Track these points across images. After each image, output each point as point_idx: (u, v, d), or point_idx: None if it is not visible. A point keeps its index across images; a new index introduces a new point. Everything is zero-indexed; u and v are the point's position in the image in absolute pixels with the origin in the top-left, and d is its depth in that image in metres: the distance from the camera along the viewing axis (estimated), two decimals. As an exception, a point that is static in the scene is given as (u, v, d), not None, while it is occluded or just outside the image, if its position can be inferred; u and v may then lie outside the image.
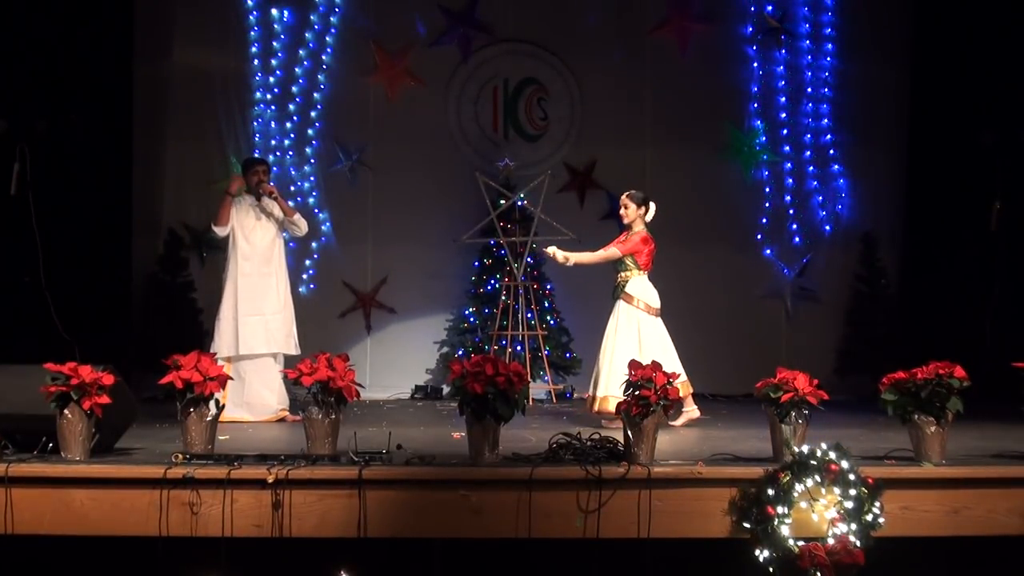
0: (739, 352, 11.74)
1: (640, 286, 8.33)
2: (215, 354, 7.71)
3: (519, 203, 11.44)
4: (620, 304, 8.33)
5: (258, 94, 11.98)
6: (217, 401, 5.97)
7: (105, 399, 5.70)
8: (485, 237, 11.56)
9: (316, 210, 11.96)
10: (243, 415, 8.67)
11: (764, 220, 12.24)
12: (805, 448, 5.41)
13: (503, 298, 11.21)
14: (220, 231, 8.95)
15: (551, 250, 8.52)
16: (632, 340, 8.15)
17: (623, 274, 8.37)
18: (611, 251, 8.43)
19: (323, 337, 11.01)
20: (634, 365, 5.86)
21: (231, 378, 7.59)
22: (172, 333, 10.84)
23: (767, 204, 12.26)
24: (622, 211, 8.50)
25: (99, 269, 10.90)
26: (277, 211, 8.99)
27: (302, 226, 9.13)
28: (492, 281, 11.67)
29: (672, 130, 11.98)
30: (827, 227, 12.29)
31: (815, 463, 5.34)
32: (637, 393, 5.70)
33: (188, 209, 11.75)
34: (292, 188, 11.90)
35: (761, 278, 12.24)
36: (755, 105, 12.29)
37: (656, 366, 5.83)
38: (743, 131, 12.27)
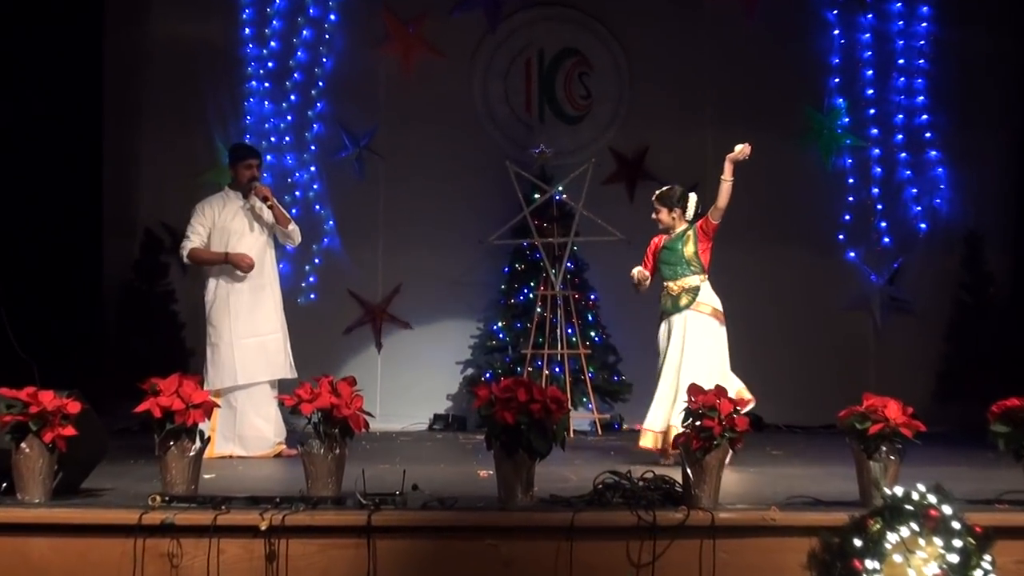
0: (818, 375, 11.70)
1: (710, 291, 8.32)
2: (212, 389, 7.84)
3: (557, 197, 11.41)
4: (695, 316, 8.25)
5: (250, 69, 12.03)
6: (202, 433, 5.97)
7: (70, 430, 5.70)
8: (517, 238, 11.54)
9: (317, 206, 11.98)
10: (235, 450, 8.70)
11: (847, 217, 12.19)
12: (899, 490, 5.35)
13: (538, 310, 11.19)
14: (186, 260, 9.02)
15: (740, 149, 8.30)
16: (718, 358, 8.18)
17: (692, 278, 8.30)
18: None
19: (325, 357, 11.05)
20: (694, 391, 5.82)
21: (218, 405, 7.60)
22: (150, 352, 10.91)
23: (851, 198, 12.21)
24: (654, 216, 8.46)
25: (64, 277, 10.92)
26: (268, 215, 8.97)
27: (296, 238, 9.13)
28: (525, 290, 11.65)
29: (737, 110, 11.93)
30: (922, 225, 12.23)
31: (911, 508, 5.28)
32: (699, 424, 5.66)
33: (168, 206, 11.77)
34: (290, 180, 11.91)
35: (844, 286, 12.20)
36: (836, 80, 12.25)
37: (721, 391, 5.79)
38: (822, 111, 12.24)
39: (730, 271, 11.88)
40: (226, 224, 8.91)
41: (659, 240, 8.46)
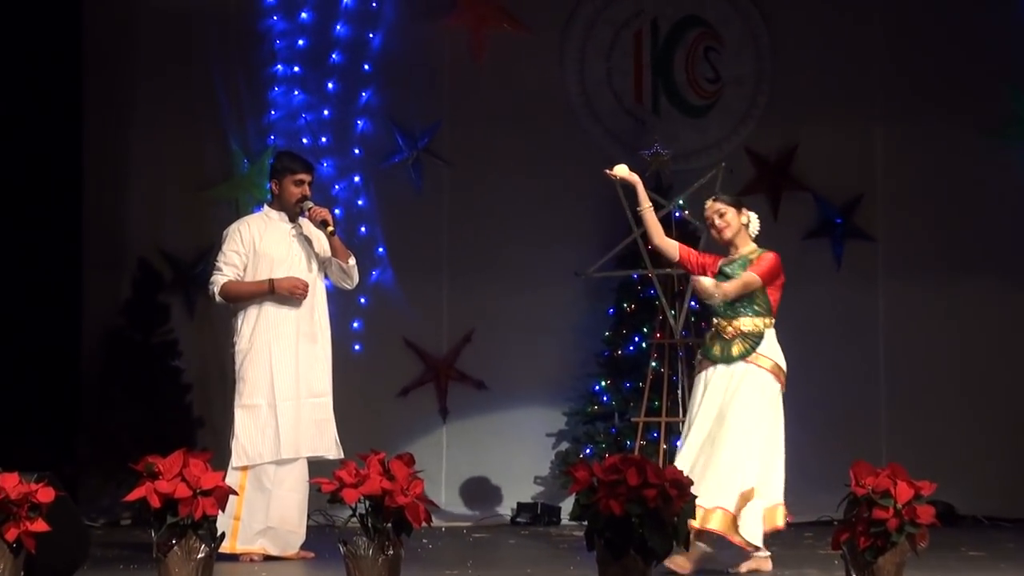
0: (1025, 450, 11.61)
1: (774, 344, 8.21)
2: (240, 465, 7.90)
3: (677, 214, 11.39)
4: (748, 371, 8.14)
5: (275, 48, 12.10)
6: (214, 529, 6.00)
7: (40, 525, 5.77)
8: (624, 269, 11.53)
9: (363, 227, 12.04)
10: (266, 546, 8.70)
11: (1064, 237, 12.11)
12: None
13: (653, 364, 11.17)
14: (218, 299, 8.94)
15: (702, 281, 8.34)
16: (772, 427, 8.11)
17: (750, 320, 8.20)
18: (749, 276, 8.21)
19: (375, 427, 11.10)
20: (862, 470, 5.79)
21: (235, 492, 7.64)
22: (144, 422, 10.95)
23: (1069, 212, 12.13)
24: (718, 221, 8.28)
25: (30, 323, 11.02)
26: (324, 245, 9.03)
27: (354, 277, 9.14)
28: (636, 338, 11.67)
29: (915, 97, 11.93)
30: None
31: None
32: (867, 515, 5.63)
33: (168, 229, 11.95)
34: (328, 194, 11.93)
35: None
36: (1051, 55, 12.20)
37: (898, 471, 5.76)
38: (1031, 96, 12.19)
39: (902, 313, 11.93)
40: (268, 251, 8.87)
41: (712, 261, 8.32)
